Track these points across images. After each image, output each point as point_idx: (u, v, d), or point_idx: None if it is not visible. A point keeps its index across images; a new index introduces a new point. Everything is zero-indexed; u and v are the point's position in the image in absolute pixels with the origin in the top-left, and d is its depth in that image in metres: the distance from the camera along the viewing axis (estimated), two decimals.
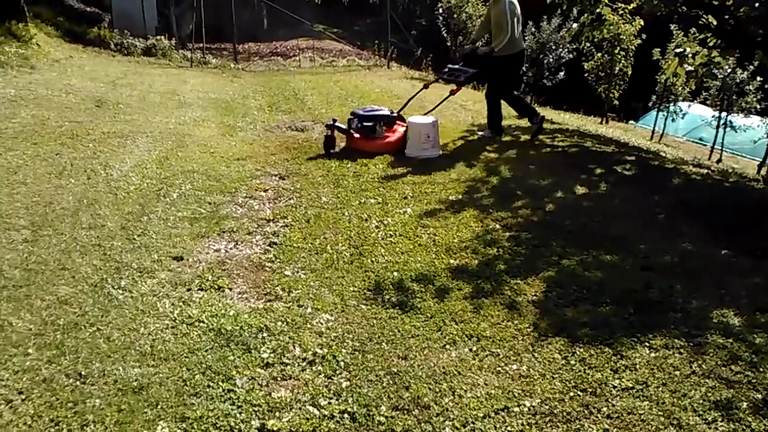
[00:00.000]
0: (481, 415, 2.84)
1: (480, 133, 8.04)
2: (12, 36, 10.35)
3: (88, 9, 15.04)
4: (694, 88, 13.48)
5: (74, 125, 7.01)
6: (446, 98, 7.78)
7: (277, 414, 2.79)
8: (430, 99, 8.72)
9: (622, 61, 14.03)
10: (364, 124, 7.07)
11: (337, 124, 6.96)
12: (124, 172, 5.77)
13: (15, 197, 4.93)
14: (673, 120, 15.21)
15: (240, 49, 17.19)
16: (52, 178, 5.41)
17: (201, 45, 15.92)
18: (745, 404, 2.90)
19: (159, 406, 2.78)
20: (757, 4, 6.81)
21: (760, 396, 2.96)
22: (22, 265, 3.93)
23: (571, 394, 3.00)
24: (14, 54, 9.67)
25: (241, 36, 17.26)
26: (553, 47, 16.21)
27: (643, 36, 13.12)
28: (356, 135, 7.08)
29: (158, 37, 14.98)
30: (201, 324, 3.45)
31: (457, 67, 8.15)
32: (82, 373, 2.97)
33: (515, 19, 7.31)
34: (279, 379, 3.05)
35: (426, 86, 8.14)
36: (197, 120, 8.26)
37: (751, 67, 12.13)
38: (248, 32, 19.38)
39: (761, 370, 3.15)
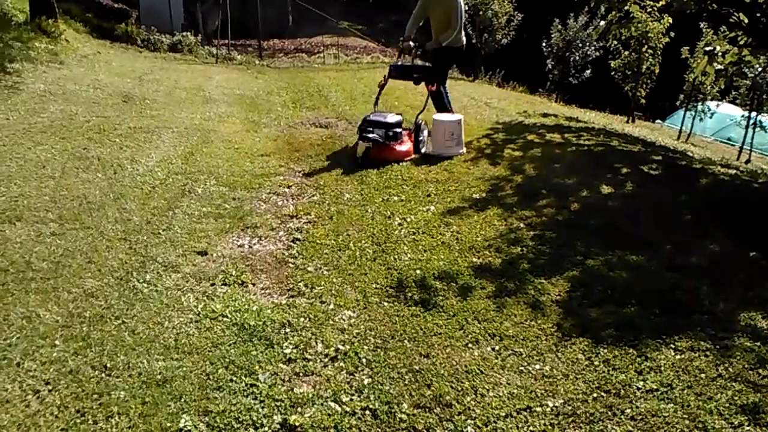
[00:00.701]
0: (504, 414, 2.83)
1: None
2: (42, 32, 10.50)
3: (116, 5, 15.24)
4: (723, 87, 13.28)
5: (101, 120, 7.10)
6: (428, 98, 7.37)
7: (299, 409, 2.80)
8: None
9: (650, 60, 13.87)
10: (395, 131, 6.57)
11: (372, 136, 6.38)
12: (149, 167, 5.83)
13: (43, 191, 5.00)
14: (701, 119, 15.01)
15: (265, 45, 17.29)
16: (79, 172, 5.49)
17: (226, 41, 16.02)
18: None
19: (182, 399, 2.81)
20: None
21: None
22: (50, 258, 3.99)
23: (595, 395, 2.97)
24: (44, 50, 9.81)
25: (266, 32, 17.36)
26: (580, 45, 16.08)
27: (672, 34, 12.95)
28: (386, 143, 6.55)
29: (184, 34, 15.11)
30: (224, 318, 3.48)
31: (401, 64, 7.87)
32: (108, 365, 3.02)
33: (463, 14, 7.36)
34: (301, 374, 3.07)
35: (382, 86, 7.38)
36: (222, 116, 8.32)
37: None
38: (273, 29, 19.50)
39: None
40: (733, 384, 3.04)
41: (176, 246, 4.35)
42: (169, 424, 2.66)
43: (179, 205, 5.04)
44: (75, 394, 2.80)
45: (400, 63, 8.00)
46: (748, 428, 2.74)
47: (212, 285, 3.88)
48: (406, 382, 3.04)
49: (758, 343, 3.36)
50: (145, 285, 3.80)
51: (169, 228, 4.62)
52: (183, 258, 4.19)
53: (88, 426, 2.62)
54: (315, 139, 7.41)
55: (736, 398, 2.94)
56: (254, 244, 4.53)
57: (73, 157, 5.82)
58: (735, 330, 3.50)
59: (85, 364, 3.01)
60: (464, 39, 7.57)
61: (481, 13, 15.73)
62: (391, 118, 6.75)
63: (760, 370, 3.14)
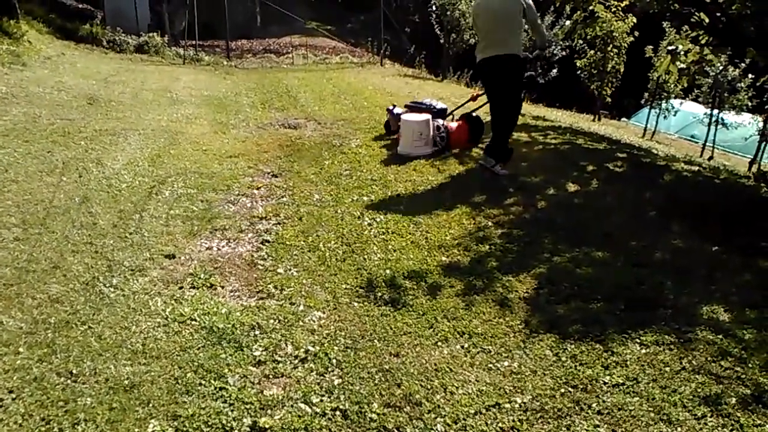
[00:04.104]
0: (473, 411, 2.85)
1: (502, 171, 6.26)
2: (3, 33, 10.31)
3: (81, 6, 15.04)
4: (686, 85, 13.49)
5: (66, 123, 6.99)
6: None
7: (268, 412, 2.79)
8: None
9: (615, 59, 14.05)
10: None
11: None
12: (116, 170, 5.76)
13: (6, 195, 4.91)
14: (665, 117, 15.25)
15: (233, 46, 17.16)
16: (43, 176, 5.39)
17: (194, 42, 15.87)
18: (733, 399, 2.92)
19: (150, 405, 2.78)
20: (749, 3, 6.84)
21: (748, 391, 2.98)
22: (14, 264, 3.92)
23: (562, 390, 3.01)
24: (5, 51, 9.62)
25: (233, 33, 17.22)
26: (546, 44, 16.23)
27: (636, 33, 13.16)
28: None
29: (151, 35, 14.95)
30: (193, 322, 3.45)
31: None
32: (74, 371, 2.97)
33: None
34: (271, 376, 3.06)
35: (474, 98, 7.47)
36: (190, 117, 8.24)
37: (743, 64, 12.18)
38: (241, 29, 19.35)
39: (750, 365, 3.17)
40: (696, 376, 3.11)
41: (143, 249, 4.30)
42: (137, 430, 2.63)
43: (146, 208, 4.98)
44: (40, 401, 2.76)
45: None
46: (710, 419, 2.80)
47: (180, 288, 3.84)
48: (376, 381, 3.05)
49: (720, 336, 3.44)
50: (112, 289, 3.75)
51: (136, 231, 4.56)
52: (150, 261, 4.15)
53: None
54: (284, 140, 7.38)
55: (699, 390, 3.00)
56: (223, 247, 4.50)
57: (37, 160, 5.72)
58: (698, 323, 3.57)
59: (50, 371, 2.96)
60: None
61: (448, 12, 15.81)
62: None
63: (722, 362, 3.21)
